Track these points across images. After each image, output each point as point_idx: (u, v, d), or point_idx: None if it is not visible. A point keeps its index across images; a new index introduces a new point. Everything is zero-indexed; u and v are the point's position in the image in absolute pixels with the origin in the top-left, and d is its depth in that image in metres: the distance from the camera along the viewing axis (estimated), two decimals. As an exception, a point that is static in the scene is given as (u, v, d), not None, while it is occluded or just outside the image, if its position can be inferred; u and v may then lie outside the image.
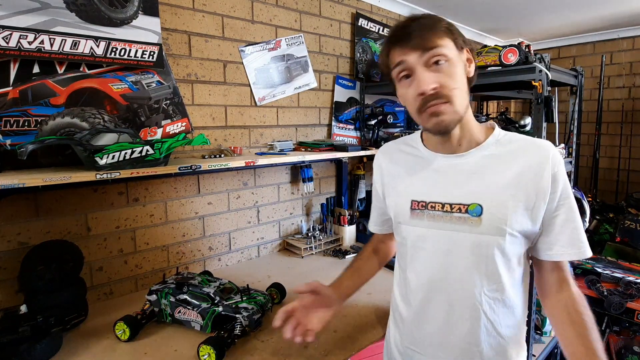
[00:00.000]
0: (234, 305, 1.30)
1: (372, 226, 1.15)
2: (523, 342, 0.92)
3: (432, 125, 0.81)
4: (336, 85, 2.44)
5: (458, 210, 0.83)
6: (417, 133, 0.98)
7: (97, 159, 1.25)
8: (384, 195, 1.02)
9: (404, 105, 0.89)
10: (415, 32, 0.78)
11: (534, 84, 1.72)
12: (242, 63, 1.97)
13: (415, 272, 0.91)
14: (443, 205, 0.85)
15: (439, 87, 0.78)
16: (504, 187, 0.81)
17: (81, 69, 1.46)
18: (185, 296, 1.33)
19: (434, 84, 0.77)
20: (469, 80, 0.85)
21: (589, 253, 0.83)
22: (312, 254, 2.13)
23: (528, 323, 1.63)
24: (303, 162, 1.99)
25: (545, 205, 0.81)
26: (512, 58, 1.80)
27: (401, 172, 0.95)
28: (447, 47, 0.79)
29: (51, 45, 1.36)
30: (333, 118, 2.46)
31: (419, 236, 0.89)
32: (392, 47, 0.81)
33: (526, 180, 0.80)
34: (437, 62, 0.78)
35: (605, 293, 2.00)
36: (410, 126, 2.92)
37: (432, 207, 0.86)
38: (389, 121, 2.68)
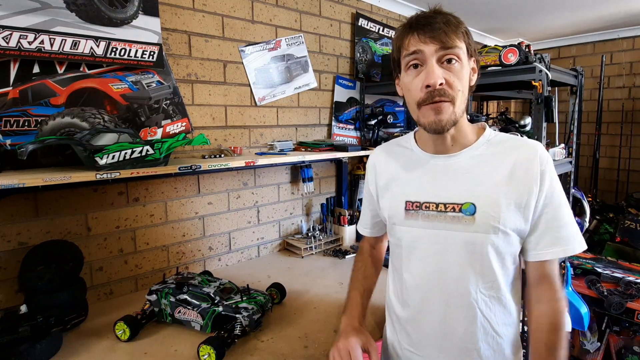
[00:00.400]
0: (234, 305, 1.30)
1: (362, 228, 1.13)
2: (519, 341, 0.92)
3: (429, 122, 0.81)
4: (336, 85, 2.44)
5: (452, 210, 0.83)
6: (411, 134, 0.98)
7: (97, 159, 1.25)
8: (377, 196, 1.01)
9: (403, 94, 0.88)
10: (439, 25, 0.78)
11: (534, 84, 1.72)
12: (242, 63, 1.97)
13: (411, 273, 0.91)
14: (437, 205, 0.85)
15: (446, 85, 0.78)
16: (496, 186, 0.82)
17: (81, 69, 1.46)
18: (185, 296, 1.33)
19: (443, 80, 0.78)
20: (470, 88, 0.86)
21: (577, 248, 0.82)
22: (312, 254, 2.13)
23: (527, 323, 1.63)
24: (303, 162, 1.99)
25: (535, 202, 0.81)
26: (512, 58, 1.80)
27: (395, 173, 0.95)
28: (462, 49, 0.80)
29: (51, 45, 1.36)
30: (333, 118, 2.46)
31: (414, 236, 0.89)
32: (410, 34, 0.81)
33: (517, 178, 0.81)
34: (449, 61, 0.79)
35: (605, 293, 2.00)
36: (410, 126, 2.92)
37: (426, 207, 0.87)
38: (389, 121, 2.68)
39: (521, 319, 0.91)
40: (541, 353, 0.82)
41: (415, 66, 0.81)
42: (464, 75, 0.81)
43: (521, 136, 1.43)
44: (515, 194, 0.81)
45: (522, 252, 0.87)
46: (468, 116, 0.90)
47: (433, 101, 0.79)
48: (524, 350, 0.95)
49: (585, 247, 0.83)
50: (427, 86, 0.78)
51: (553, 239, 0.82)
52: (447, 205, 0.84)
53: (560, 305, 0.83)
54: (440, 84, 0.77)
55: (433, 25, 0.78)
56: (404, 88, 0.87)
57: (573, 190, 2.52)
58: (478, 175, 0.84)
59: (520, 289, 0.91)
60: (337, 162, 2.43)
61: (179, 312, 1.33)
